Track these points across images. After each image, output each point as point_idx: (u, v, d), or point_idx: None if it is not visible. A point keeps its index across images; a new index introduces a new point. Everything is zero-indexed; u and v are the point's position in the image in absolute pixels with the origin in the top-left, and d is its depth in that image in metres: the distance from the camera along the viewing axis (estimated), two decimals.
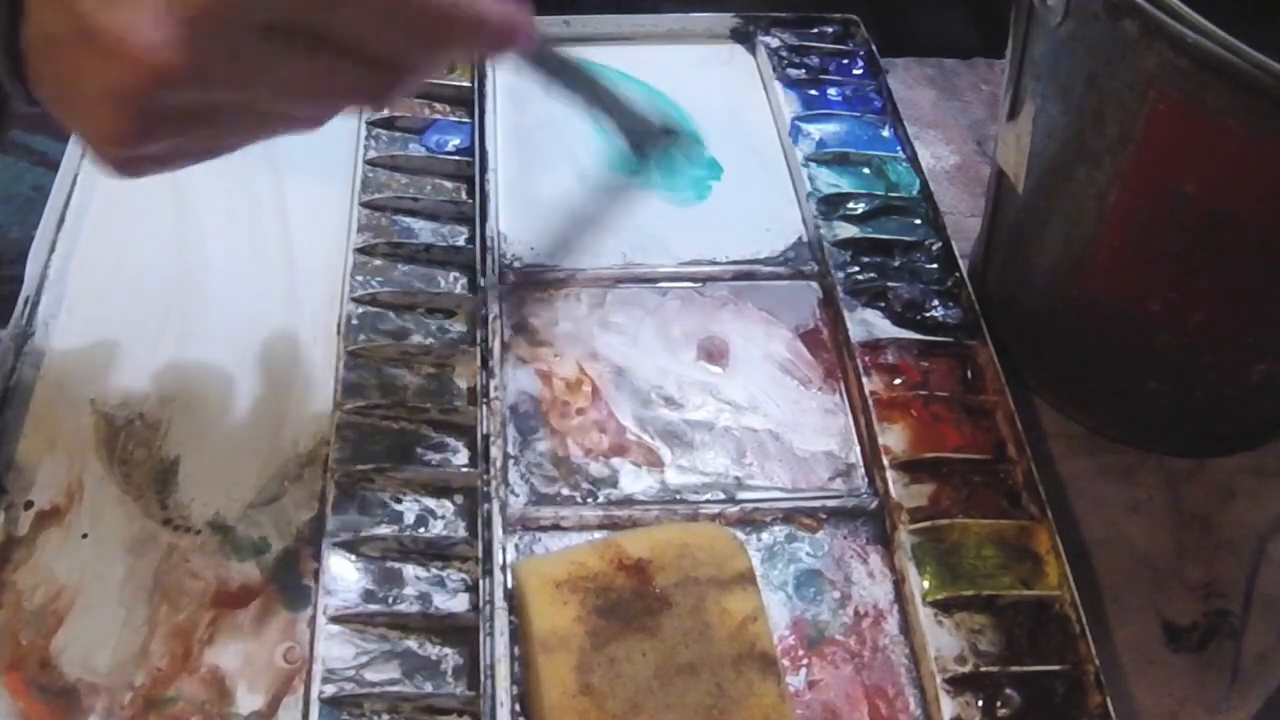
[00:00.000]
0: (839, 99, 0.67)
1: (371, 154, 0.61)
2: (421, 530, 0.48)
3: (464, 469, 0.50)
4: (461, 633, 0.45)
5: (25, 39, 0.35)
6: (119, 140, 0.35)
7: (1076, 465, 0.56)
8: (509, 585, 0.46)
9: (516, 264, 0.59)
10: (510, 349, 0.55)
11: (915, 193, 0.62)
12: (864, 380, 0.54)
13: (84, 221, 0.59)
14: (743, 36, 0.72)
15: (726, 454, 0.52)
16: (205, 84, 0.34)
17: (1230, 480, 0.56)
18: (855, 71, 0.69)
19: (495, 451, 0.50)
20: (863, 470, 0.52)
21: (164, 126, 0.36)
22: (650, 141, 0.57)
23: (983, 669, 0.45)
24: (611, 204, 0.61)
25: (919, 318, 0.56)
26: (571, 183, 0.63)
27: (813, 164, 0.63)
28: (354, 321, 0.54)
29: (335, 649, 0.44)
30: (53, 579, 0.46)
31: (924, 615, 0.47)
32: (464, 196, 0.60)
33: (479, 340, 0.54)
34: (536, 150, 0.65)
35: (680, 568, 0.45)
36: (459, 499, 0.49)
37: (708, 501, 0.50)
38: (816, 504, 0.51)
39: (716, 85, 0.69)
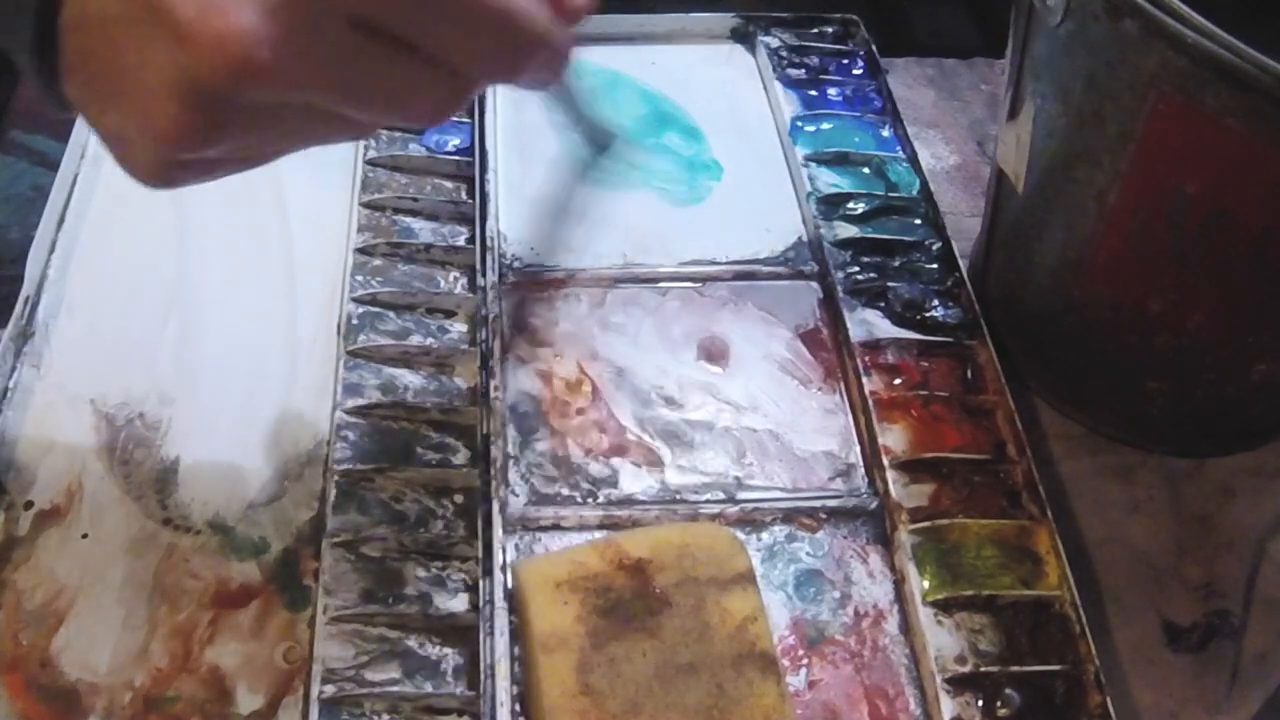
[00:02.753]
0: (839, 99, 0.67)
1: (371, 154, 0.61)
2: (421, 530, 0.48)
3: (464, 469, 0.50)
4: (461, 633, 0.45)
5: (64, 22, 0.31)
6: (179, 139, 0.31)
7: (1076, 465, 0.56)
8: (509, 585, 0.46)
9: (516, 264, 0.59)
10: (510, 349, 0.55)
11: (915, 193, 0.62)
12: (864, 380, 0.54)
13: (84, 221, 0.59)
14: (743, 36, 0.72)
15: (726, 454, 0.52)
16: (287, 79, 0.30)
17: (1230, 480, 0.56)
18: (855, 71, 0.69)
19: (495, 451, 0.50)
20: (863, 470, 0.52)
21: (231, 125, 0.31)
22: (602, 142, 0.57)
23: (983, 669, 0.45)
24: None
25: (919, 318, 0.56)
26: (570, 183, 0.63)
27: (813, 164, 0.63)
28: (354, 321, 0.54)
29: (335, 649, 0.44)
30: (53, 579, 0.46)
31: (924, 615, 0.47)
32: (464, 196, 0.60)
33: (479, 340, 0.54)
34: (536, 150, 0.65)
35: (680, 568, 0.45)
36: (459, 499, 0.49)
37: (708, 501, 0.50)
38: (816, 504, 0.51)
39: (716, 85, 0.69)
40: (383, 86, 0.33)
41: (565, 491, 0.50)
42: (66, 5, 0.31)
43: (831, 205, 0.61)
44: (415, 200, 0.59)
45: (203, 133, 0.31)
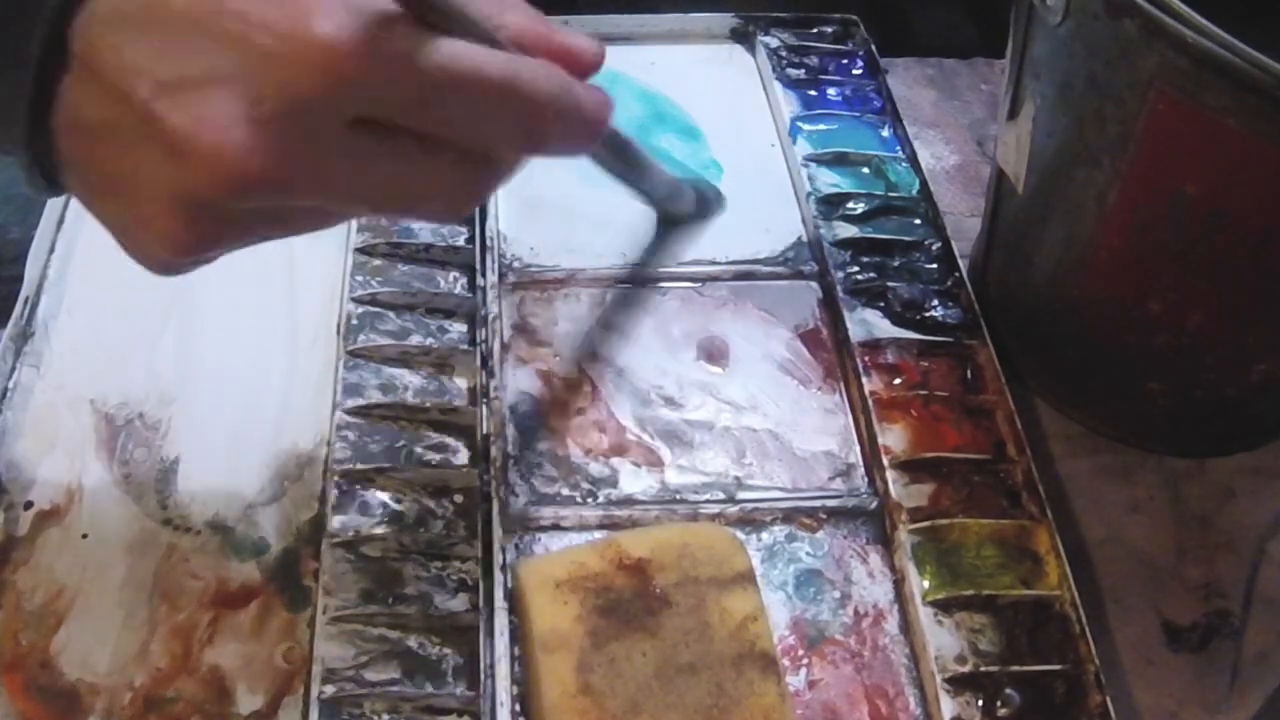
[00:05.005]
0: (839, 99, 0.67)
1: None
2: (421, 530, 0.48)
3: (464, 469, 0.50)
4: (461, 633, 0.45)
5: (57, 124, 0.30)
6: (177, 247, 0.31)
7: (1076, 465, 0.56)
8: (509, 585, 0.46)
9: (516, 264, 0.59)
10: (510, 349, 0.55)
11: (915, 193, 0.62)
12: (864, 380, 0.54)
13: (84, 221, 0.59)
14: (742, 36, 0.72)
15: (726, 454, 0.52)
16: (283, 186, 0.30)
17: (1230, 480, 0.56)
18: (855, 71, 0.69)
19: (495, 451, 0.50)
20: (863, 470, 0.52)
21: (230, 232, 0.31)
22: (681, 209, 0.56)
23: (983, 669, 0.45)
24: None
25: (919, 318, 0.56)
26: (572, 183, 0.63)
27: (812, 164, 0.63)
28: (354, 321, 0.54)
29: (335, 649, 0.44)
30: (53, 579, 0.46)
31: (924, 615, 0.47)
32: None
33: (479, 340, 0.54)
34: None
35: (680, 567, 0.45)
36: (459, 499, 0.49)
37: (708, 501, 0.50)
38: (816, 504, 0.51)
39: (716, 85, 0.69)
40: (391, 181, 0.32)
41: (565, 491, 0.50)
42: (60, 109, 0.30)
43: (831, 205, 0.61)
44: None
45: (201, 241, 0.31)
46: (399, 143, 0.31)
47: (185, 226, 0.30)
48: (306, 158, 0.30)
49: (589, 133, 0.35)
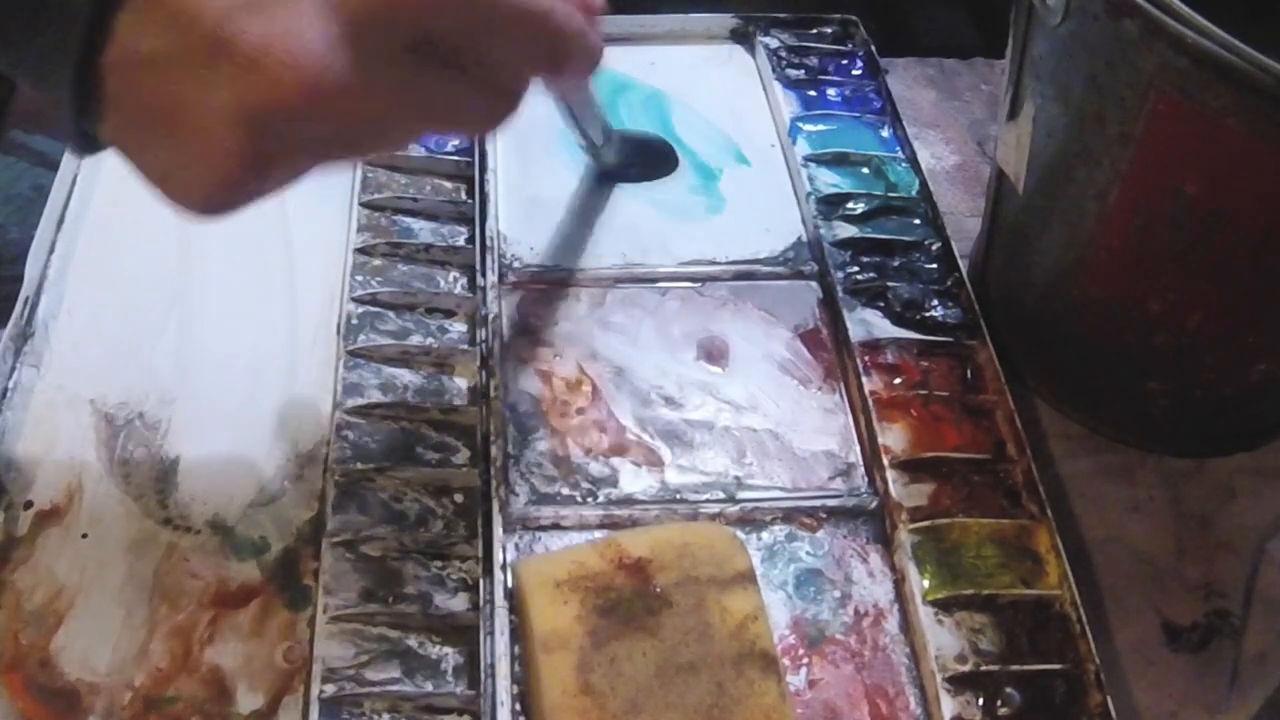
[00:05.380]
0: (838, 99, 0.67)
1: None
2: (421, 530, 0.48)
3: (464, 469, 0.50)
4: (461, 632, 0.45)
5: (107, 62, 0.31)
6: (240, 168, 0.31)
7: (1076, 465, 0.56)
8: (509, 584, 0.46)
9: (516, 264, 0.59)
10: (510, 349, 0.55)
11: (915, 193, 0.62)
12: (864, 380, 0.54)
13: (84, 221, 0.59)
14: (742, 37, 0.72)
15: (726, 454, 0.52)
16: (350, 102, 0.31)
17: (1230, 480, 0.56)
18: (855, 72, 0.69)
19: (495, 451, 0.50)
20: (863, 470, 0.52)
21: (292, 150, 0.32)
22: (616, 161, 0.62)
23: (983, 668, 0.45)
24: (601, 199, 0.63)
25: (919, 317, 0.56)
26: (572, 183, 0.63)
27: (812, 164, 0.63)
28: (354, 321, 0.54)
29: (335, 648, 0.44)
30: (52, 579, 0.46)
31: (924, 614, 0.47)
32: (464, 196, 0.60)
33: (479, 340, 0.54)
34: (536, 150, 0.65)
35: (680, 567, 0.45)
36: (459, 499, 0.49)
37: (708, 501, 0.50)
38: (816, 504, 0.51)
39: (716, 85, 0.69)
40: (436, 101, 0.34)
41: (565, 491, 0.50)
42: (111, 46, 0.31)
43: (831, 205, 0.61)
44: (415, 200, 0.59)
45: (257, 164, 0.32)
46: (444, 68, 0.34)
47: (245, 147, 0.31)
48: (371, 74, 0.31)
49: (593, 65, 0.40)
